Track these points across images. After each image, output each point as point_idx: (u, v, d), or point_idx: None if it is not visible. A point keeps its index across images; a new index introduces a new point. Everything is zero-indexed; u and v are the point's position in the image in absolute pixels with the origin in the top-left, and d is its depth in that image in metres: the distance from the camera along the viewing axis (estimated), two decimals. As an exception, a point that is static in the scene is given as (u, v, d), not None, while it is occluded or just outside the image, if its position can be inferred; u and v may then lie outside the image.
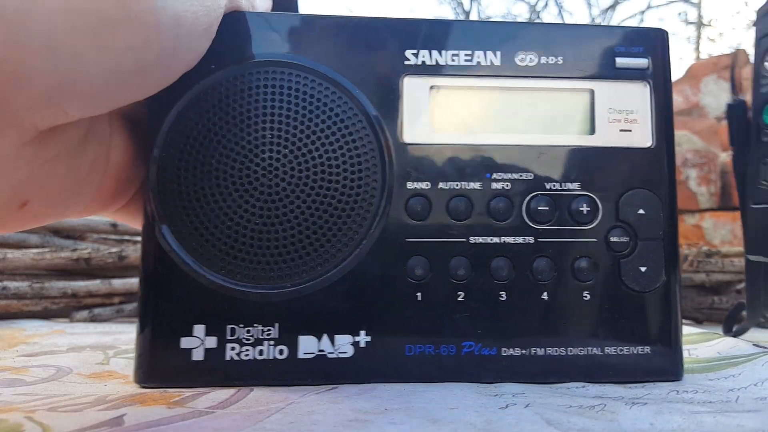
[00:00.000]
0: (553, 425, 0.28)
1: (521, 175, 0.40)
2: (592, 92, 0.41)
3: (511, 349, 0.39)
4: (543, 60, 0.41)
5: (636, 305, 0.40)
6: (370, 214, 0.39)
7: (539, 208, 0.40)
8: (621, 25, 0.51)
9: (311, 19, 0.40)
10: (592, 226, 0.40)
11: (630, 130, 0.41)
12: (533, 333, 0.39)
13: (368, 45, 0.40)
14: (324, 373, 0.38)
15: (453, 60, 0.40)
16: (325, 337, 0.38)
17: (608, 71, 0.41)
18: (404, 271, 0.39)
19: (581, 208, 0.40)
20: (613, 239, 0.40)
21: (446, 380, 0.38)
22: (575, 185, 0.40)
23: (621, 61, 0.41)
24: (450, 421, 0.29)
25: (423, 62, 0.40)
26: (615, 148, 0.41)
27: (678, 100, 2.35)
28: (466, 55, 0.40)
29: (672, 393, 0.35)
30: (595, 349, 0.39)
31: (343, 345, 0.38)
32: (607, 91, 0.41)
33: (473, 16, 7.20)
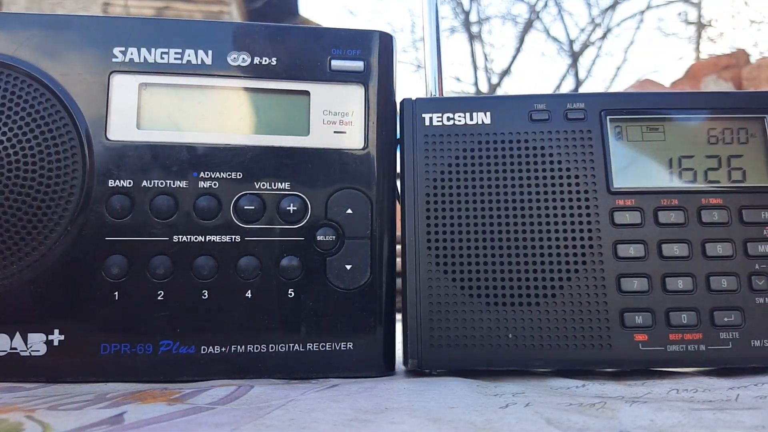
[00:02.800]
0: (553, 424, 0.28)
1: (230, 174, 0.40)
2: (307, 94, 0.42)
3: (210, 348, 0.39)
4: (256, 60, 0.41)
5: (340, 302, 0.40)
6: (67, 212, 0.38)
7: (246, 207, 0.40)
8: (339, 27, 0.53)
9: (16, 17, 0.40)
10: (300, 225, 0.41)
11: (344, 132, 0.42)
12: (234, 331, 0.39)
13: (76, 43, 0.40)
14: (16, 370, 0.38)
15: (162, 58, 0.40)
16: (17, 336, 0.38)
17: (324, 73, 0.42)
18: (102, 270, 0.38)
19: (289, 208, 0.40)
20: (320, 238, 0.41)
21: (142, 378, 0.38)
22: (285, 185, 0.41)
23: (336, 64, 0.42)
24: (450, 420, 0.28)
25: (131, 60, 0.40)
26: (327, 150, 0.41)
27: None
28: (176, 53, 0.40)
29: (672, 392, 0.35)
30: (296, 345, 0.40)
31: (36, 343, 0.38)
32: (323, 93, 0.42)
33: (473, 16, 7.12)
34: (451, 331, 0.39)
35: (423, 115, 0.42)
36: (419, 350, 0.39)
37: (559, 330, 0.39)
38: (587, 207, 0.40)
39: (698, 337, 0.38)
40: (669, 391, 0.35)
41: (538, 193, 0.40)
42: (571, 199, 0.40)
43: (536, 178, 0.40)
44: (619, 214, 0.40)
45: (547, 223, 0.40)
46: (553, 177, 0.40)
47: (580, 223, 0.40)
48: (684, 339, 0.38)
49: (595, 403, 0.32)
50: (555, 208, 0.40)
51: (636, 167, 0.41)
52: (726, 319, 0.39)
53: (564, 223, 0.40)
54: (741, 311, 0.39)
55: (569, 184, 0.40)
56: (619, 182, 0.41)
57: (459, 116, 0.42)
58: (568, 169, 0.40)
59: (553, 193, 0.40)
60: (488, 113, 0.42)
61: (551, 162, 0.41)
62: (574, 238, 0.40)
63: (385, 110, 0.43)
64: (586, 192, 0.40)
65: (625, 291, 0.39)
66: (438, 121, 0.42)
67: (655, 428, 0.27)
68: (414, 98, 0.43)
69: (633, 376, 0.39)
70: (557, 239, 0.40)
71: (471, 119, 0.42)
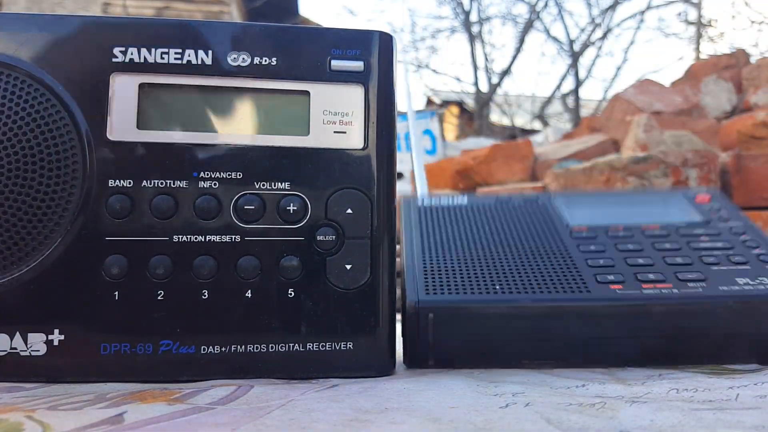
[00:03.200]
0: (553, 424, 0.28)
1: (230, 174, 0.40)
2: (307, 94, 0.42)
3: (210, 347, 0.39)
4: (256, 60, 0.41)
5: (340, 302, 0.40)
6: (68, 212, 0.38)
7: (246, 207, 0.40)
8: (339, 27, 0.55)
9: (16, 17, 0.40)
10: (300, 225, 0.41)
11: (344, 132, 0.42)
12: (234, 331, 0.39)
13: (76, 43, 0.40)
14: (16, 370, 0.38)
15: (163, 58, 0.40)
16: (17, 336, 0.38)
17: (323, 73, 0.42)
18: (102, 270, 0.38)
19: (289, 208, 0.40)
20: (320, 238, 0.41)
21: (142, 378, 0.38)
22: (285, 185, 0.41)
23: (336, 64, 0.42)
24: (450, 420, 0.28)
25: (132, 60, 0.40)
26: (328, 150, 0.41)
27: (678, 100, 2.30)
28: (176, 53, 0.40)
29: (672, 392, 0.35)
30: (296, 345, 0.40)
31: (36, 343, 0.38)
32: (323, 93, 0.42)
33: (473, 16, 7.11)
34: (444, 282, 0.45)
35: (417, 202, 0.57)
36: (416, 293, 0.44)
37: (540, 282, 0.45)
38: (551, 230, 0.52)
39: (669, 286, 0.44)
40: (669, 391, 0.35)
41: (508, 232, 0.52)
42: (536, 231, 0.52)
43: (505, 228, 0.52)
44: (576, 233, 0.51)
45: (518, 231, 0.52)
46: (519, 223, 0.53)
47: (546, 236, 0.51)
48: (657, 287, 0.44)
49: (595, 403, 0.32)
50: (526, 240, 0.51)
51: (586, 215, 0.54)
52: (690, 276, 0.45)
53: (535, 242, 0.50)
54: (701, 273, 0.45)
55: (533, 224, 0.53)
56: (575, 222, 0.53)
57: (444, 200, 0.58)
58: (530, 220, 0.54)
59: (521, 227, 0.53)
60: (465, 198, 0.57)
61: (517, 217, 0.54)
62: (543, 241, 0.50)
63: (385, 110, 0.43)
64: (546, 230, 0.52)
65: (593, 266, 0.46)
66: (428, 203, 0.57)
67: (655, 428, 0.27)
68: (411, 199, 0.57)
69: (633, 376, 0.39)
70: (530, 246, 0.50)
71: (453, 202, 0.57)
